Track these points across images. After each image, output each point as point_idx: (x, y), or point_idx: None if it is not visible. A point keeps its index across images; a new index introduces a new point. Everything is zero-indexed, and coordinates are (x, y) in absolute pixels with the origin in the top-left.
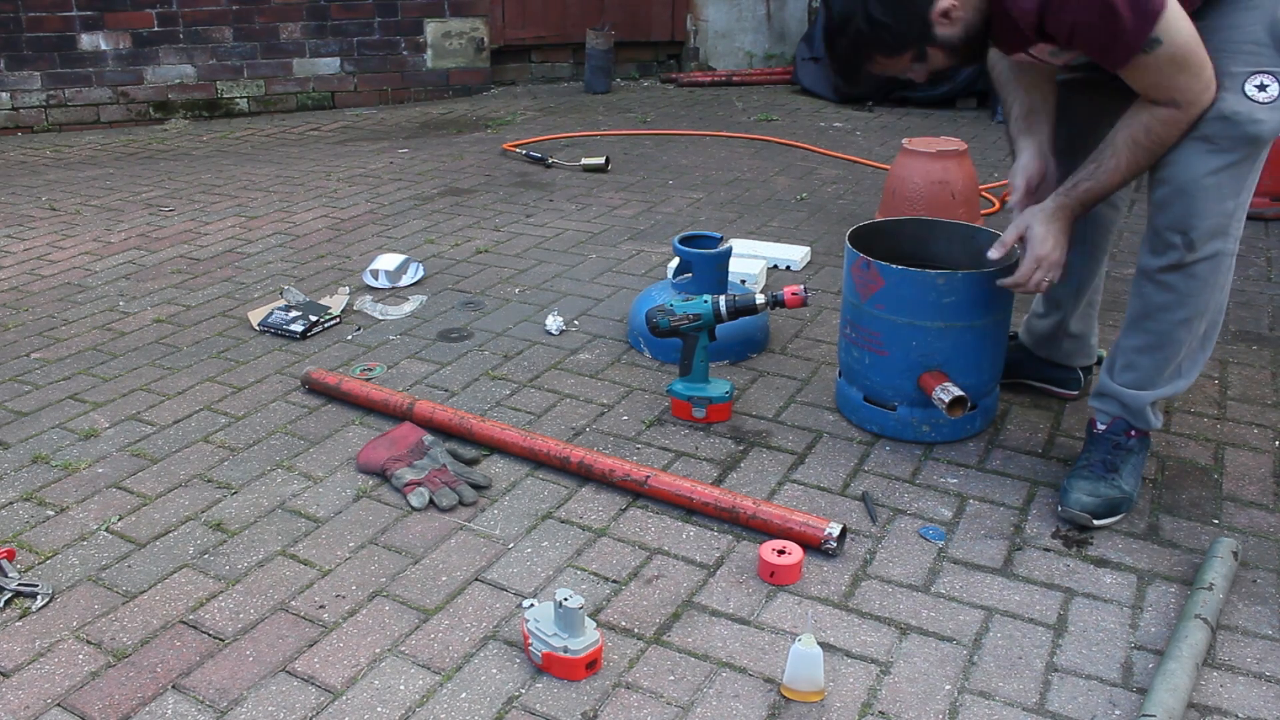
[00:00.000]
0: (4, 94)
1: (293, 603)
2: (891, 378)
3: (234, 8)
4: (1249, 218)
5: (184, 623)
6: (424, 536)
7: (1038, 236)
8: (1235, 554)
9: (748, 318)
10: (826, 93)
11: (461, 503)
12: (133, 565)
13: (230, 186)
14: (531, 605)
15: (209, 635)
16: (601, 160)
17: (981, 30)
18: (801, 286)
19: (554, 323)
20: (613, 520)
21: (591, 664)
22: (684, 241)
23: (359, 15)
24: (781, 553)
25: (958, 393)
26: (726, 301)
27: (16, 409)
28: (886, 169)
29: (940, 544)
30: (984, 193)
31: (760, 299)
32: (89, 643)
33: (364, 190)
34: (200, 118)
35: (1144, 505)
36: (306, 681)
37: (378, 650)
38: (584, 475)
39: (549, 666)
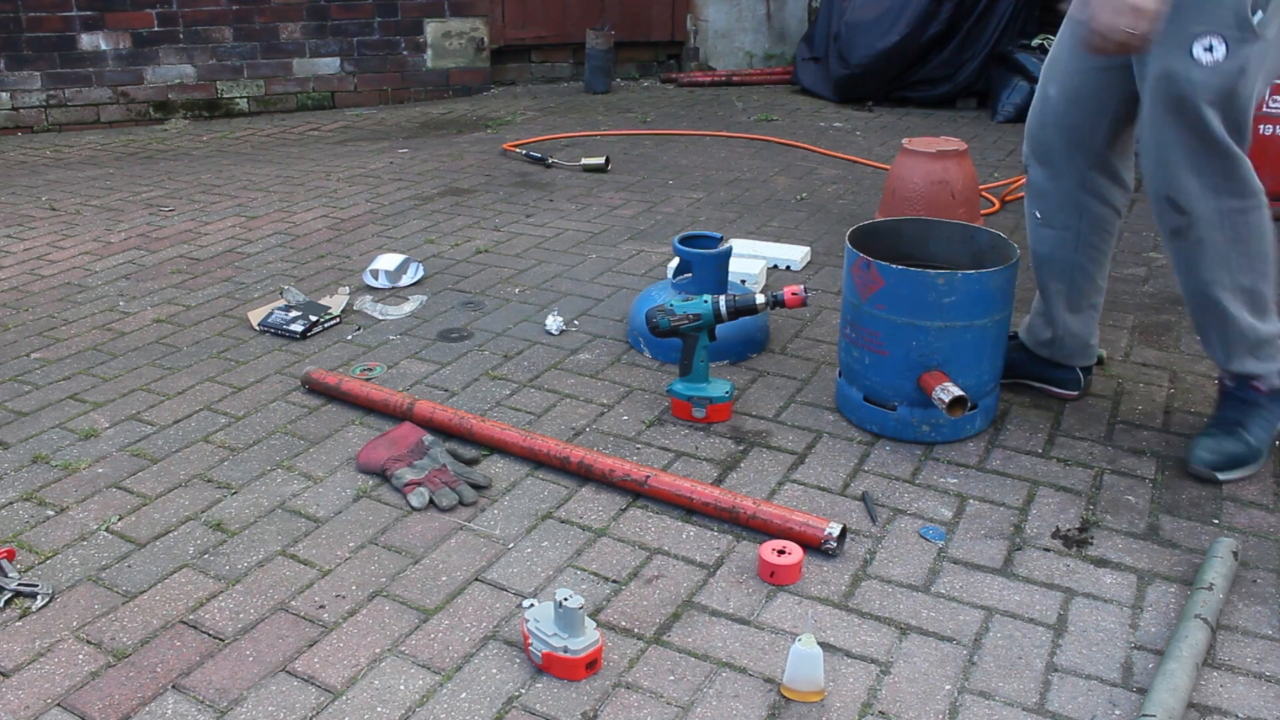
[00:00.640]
0: (4, 94)
1: (293, 603)
2: (891, 378)
3: (234, 8)
4: None
5: (184, 623)
6: (424, 536)
7: None
8: (1235, 554)
9: (748, 318)
10: (826, 93)
11: (461, 503)
12: (133, 565)
13: (230, 186)
14: (531, 605)
15: (209, 635)
16: (601, 160)
17: None
18: (801, 286)
19: (554, 323)
20: (613, 520)
21: (591, 664)
22: (684, 241)
23: (359, 15)
24: (781, 553)
25: (958, 393)
26: (726, 301)
27: (16, 409)
28: (886, 169)
29: (940, 544)
30: (984, 193)
31: (760, 299)
32: (89, 643)
33: (364, 190)
34: (200, 118)
35: (1144, 505)
36: (306, 681)
37: (378, 650)
38: (584, 475)
39: (549, 666)
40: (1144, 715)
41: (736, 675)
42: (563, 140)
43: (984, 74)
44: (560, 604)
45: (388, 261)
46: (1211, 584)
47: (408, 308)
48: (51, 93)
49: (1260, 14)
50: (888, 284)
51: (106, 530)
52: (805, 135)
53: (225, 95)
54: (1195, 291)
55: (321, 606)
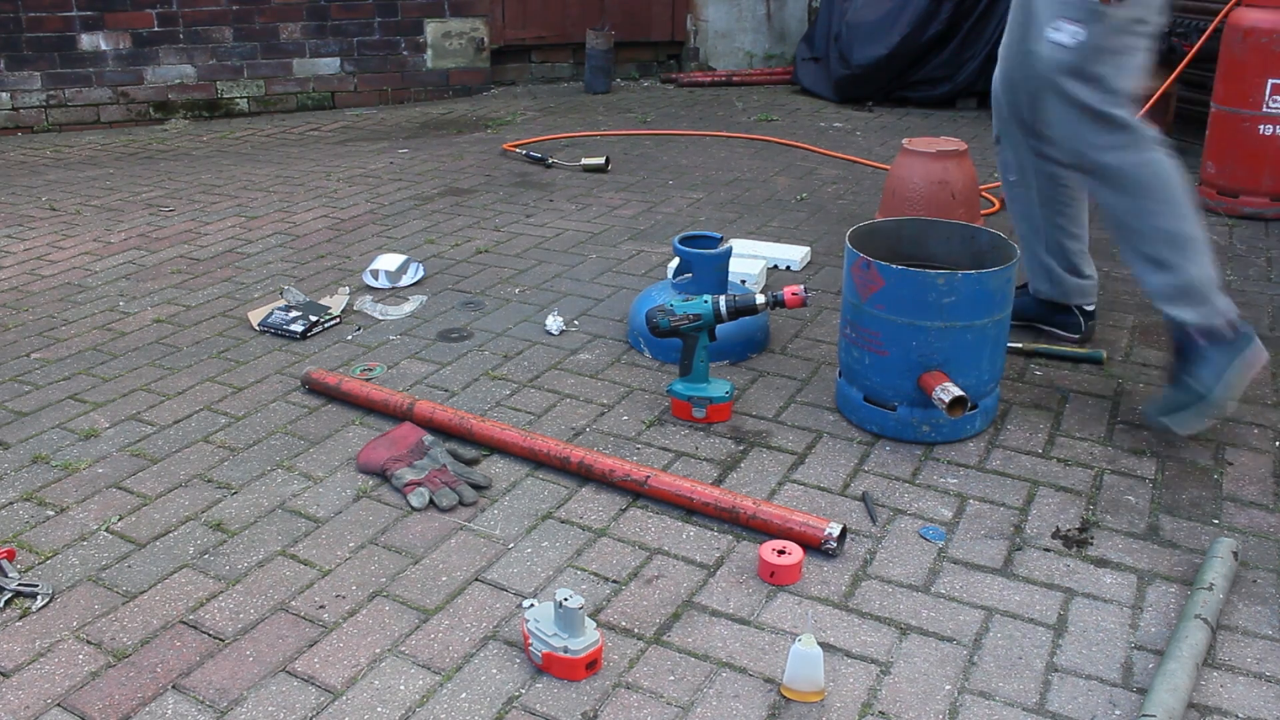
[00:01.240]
0: (4, 94)
1: (293, 603)
2: (891, 378)
3: (234, 8)
4: (1248, 218)
5: (184, 623)
6: (424, 536)
7: None
8: (1235, 554)
9: (748, 318)
10: (826, 93)
11: (461, 503)
12: (133, 565)
13: (230, 186)
14: (531, 605)
15: (209, 635)
16: (601, 160)
17: None
18: (801, 286)
19: (554, 323)
20: (613, 520)
21: (591, 664)
22: (684, 241)
23: (359, 15)
24: (781, 553)
25: (958, 393)
26: (726, 301)
27: (16, 409)
28: (886, 169)
29: (940, 544)
30: (984, 193)
31: (760, 299)
32: (89, 643)
33: (364, 190)
34: (200, 118)
35: (1144, 505)
36: (306, 681)
37: (378, 650)
38: (584, 475)
39: (549, 666)
40: (1144, 715)
41: (736, 675)
42: (563, 140)
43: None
44: (560, 604)
45: (388, 261)
46: (1211, 584)
47: (408, 308)
48: (51, 93)
49: None
50: (888, 284)
51: (106, 530)
52: (805, 135)
53: (225, 95)
54: (1122, 243)
55: (321, 606)
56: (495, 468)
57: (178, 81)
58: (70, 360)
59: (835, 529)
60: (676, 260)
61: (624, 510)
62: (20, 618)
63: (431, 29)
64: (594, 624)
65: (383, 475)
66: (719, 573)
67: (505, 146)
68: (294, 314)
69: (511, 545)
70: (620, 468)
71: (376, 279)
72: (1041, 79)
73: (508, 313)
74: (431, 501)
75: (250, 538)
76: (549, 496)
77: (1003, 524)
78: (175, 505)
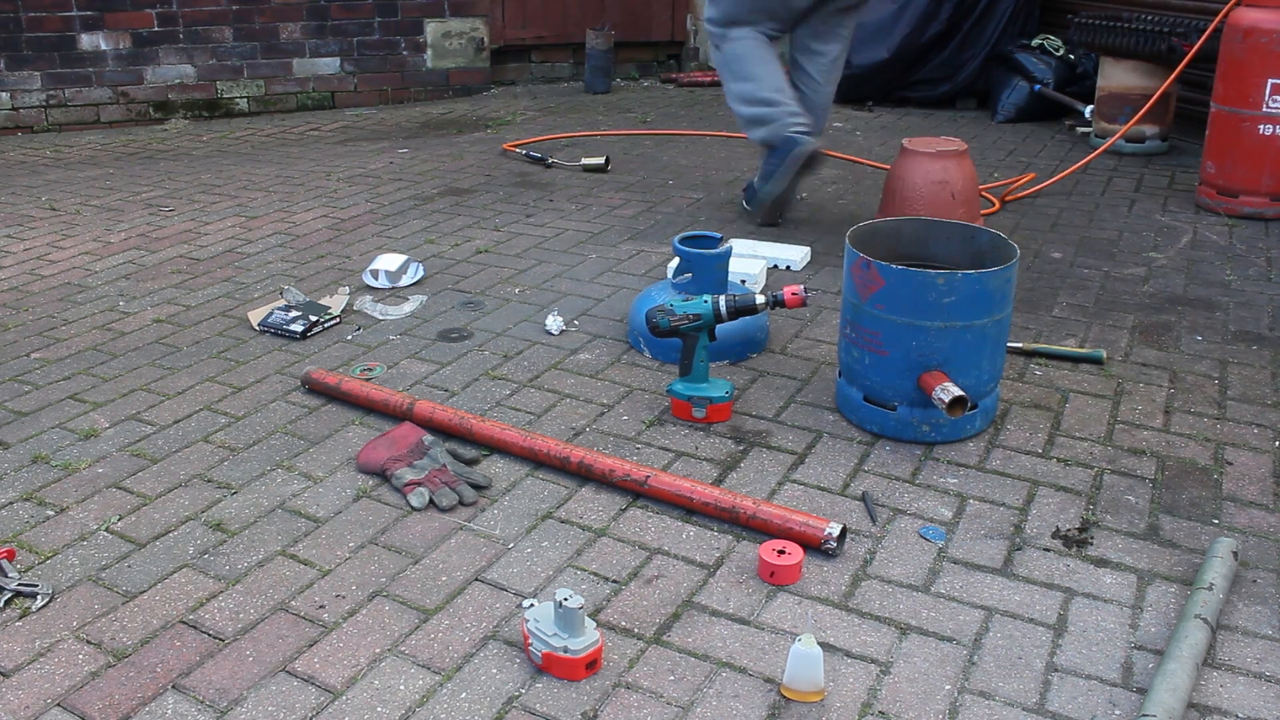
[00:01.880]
0: (4, 94)
1: (293, 603)
2: (891, 378)
3: (234, 8)
4: (1248, 218)
5: (184, 623)
6: (424, 536)
7: None
8: (1235, 554)
9: (748, 318)
10: None
11: (461, 503)
12: (133, 565)
13: (230, 186)
14: (531, 605)
15: (209, 635)
16: (601, 160)
17: None
18: (801, 286)
19: (554, 323)
20: (613, 520)
21: (591, 664)
22: (684, 241)
23: (359, 15)
24: (781, 553)
25: (958, 393)
26: (726, 301)
27: (16, 409)
28: (886, 169)
29: (940, 544)
30: (984, 193)
31: (760, 299)
32: (89, 643)
33: (364, 190)
34: (200, 118)
35: (1144, 505)
36: (306, 681)
37: (378, 650)
38: (584, 475)
39: (549, 666)
40: (1144, 715)
41: (736, 675)
42: (563, 140)
43: (984, 74)
44: (560, 604)
45: (388, 261)
46: (1211, 584)
47: (408, 308)
48: (51, 93)
49: None
50: (888, 284)
51: (106, 530)
52: None
53: (225, 95)
54: (726, 93)
55: (321, 606)
56: (495, 468)
57: (178, 81)
58: (70, 360)
59: (835, 529)
60: (676, 260)
61: (624, 510)
62: (20, 618)
63: (431, 29)
64: (594, 624)
65: (383, 475)
66: (719, 573)
67: (505, 146)
68: (294, 314)
69: (511, 545)
70: (620, 468)
71: (376, 279)
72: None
73: (508, 313)
74: (431, 501)
75: (250, 538)
76: (549, 496)
77: (1003, 524)
78: (175, 505)
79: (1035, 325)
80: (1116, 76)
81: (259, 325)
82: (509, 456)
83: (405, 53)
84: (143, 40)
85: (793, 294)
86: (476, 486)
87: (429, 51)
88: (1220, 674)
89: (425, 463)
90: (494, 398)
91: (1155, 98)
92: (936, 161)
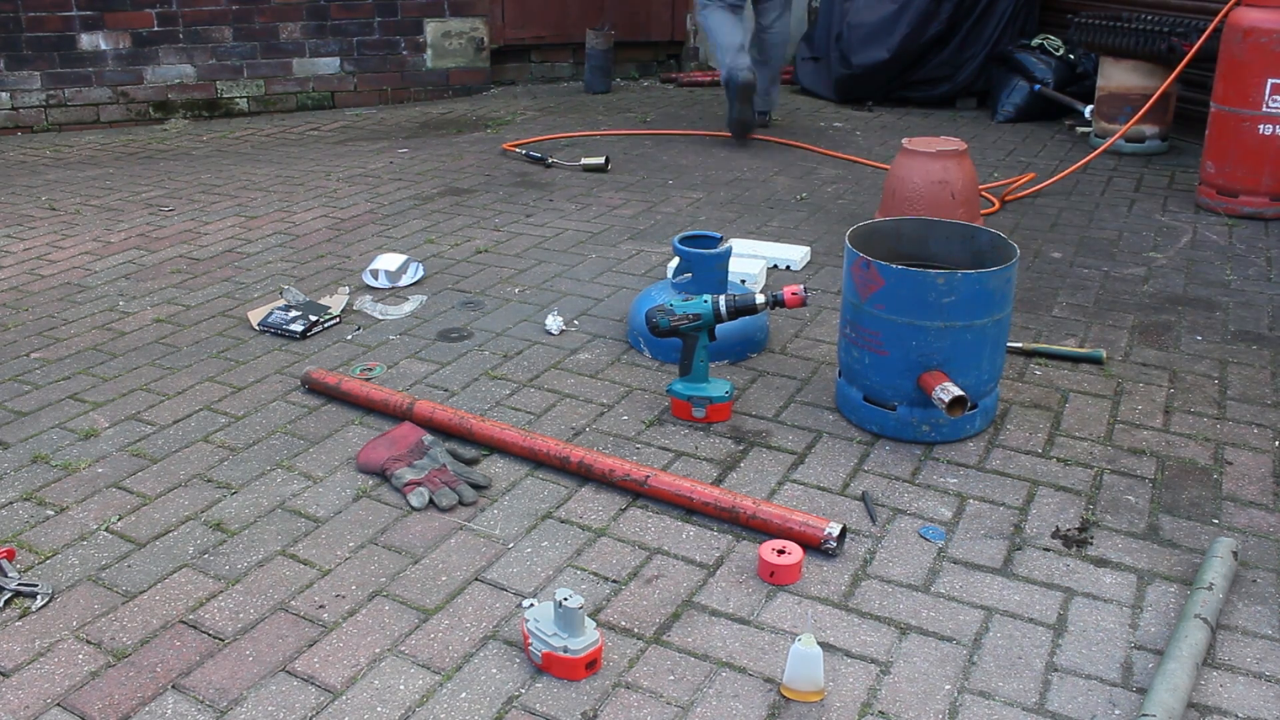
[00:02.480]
0: (4, 94)
1: (293, 603)
2: (891, 378)
3: (234, 8)
4: (1248, 217)
5: (184, 623)
6: (424, 536)
7: None
8: (1235, 554)
9: (748, 318)
10: (826, 93)
11: (461, 503)
12: (133, 565)
13: (230, 186)
14: (531, 605)
15: (209, 635)
16: (601, 160)
17: None
18: (801, 286)
19: (554, 323)
20: (613, 520)
21: (591, 664)
22: (684, 241)
23: (359, 15)
24: (781, 553)
25: (957, 392)
26: (726, 301)
27: (16, 409)
28: (886, 169)
29: (940, 544)
30: (984, 193)
31: (760, 299)
32: (89, 643)
33: (364, 190)
34: (200, 118)
35: (1144, 505)
36: (306, 681)
37: (378, 650)
38: (584, 475)
39: (549, 666)
40: (1144, 715)
41: (736, 675)
42: (563, 140)
43: (984, 74)
44: (560, 604)
45: (388, 261)
46: (1211, 584)
47: (408, 308)
48: (51, 93)
49: None
50: (888, 284)
51: (106, 530)
52: (805, 135)
53: (225, 95)
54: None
55: (321, 606)
56: (495, 467)
57: (177, 81)
58: (70, 360)
59: (835, 529)
60: (676, 260)
61: (624, 510)
62: (20, 617)
63: (431, 29)
64: (594, 624)
65: (382, 475)
66: (719, 572)
67: (505, 146)
68: (294, 314)
69: (511, 545)
70: (620, 467)
71: (376, 279)
72: None
73: (507, 312)
74: (431, 501)
75: (250, 537)
76: (549, 496)
77: (1002, 524)
78: (175, 505)
79: (1035, 325)
80: (1116, 76)
81: (259, 325)
82: (509, 456)
83: (405, 53)
84: (142, 40)
85: (792, 294)
86: (476, 486)
87: (429, 51)
88: (1220, 674)
89: (425, 463)
90: (494, 397)
91: (1155, 98)
92: (936, 161)
